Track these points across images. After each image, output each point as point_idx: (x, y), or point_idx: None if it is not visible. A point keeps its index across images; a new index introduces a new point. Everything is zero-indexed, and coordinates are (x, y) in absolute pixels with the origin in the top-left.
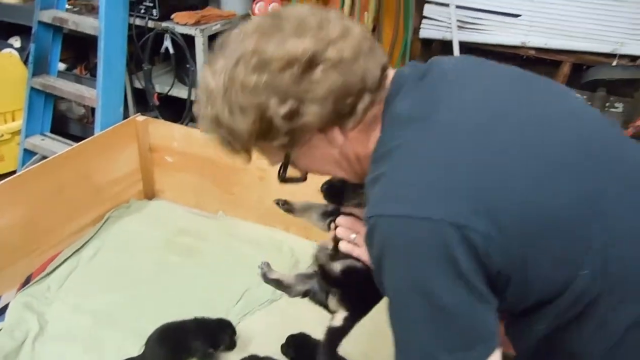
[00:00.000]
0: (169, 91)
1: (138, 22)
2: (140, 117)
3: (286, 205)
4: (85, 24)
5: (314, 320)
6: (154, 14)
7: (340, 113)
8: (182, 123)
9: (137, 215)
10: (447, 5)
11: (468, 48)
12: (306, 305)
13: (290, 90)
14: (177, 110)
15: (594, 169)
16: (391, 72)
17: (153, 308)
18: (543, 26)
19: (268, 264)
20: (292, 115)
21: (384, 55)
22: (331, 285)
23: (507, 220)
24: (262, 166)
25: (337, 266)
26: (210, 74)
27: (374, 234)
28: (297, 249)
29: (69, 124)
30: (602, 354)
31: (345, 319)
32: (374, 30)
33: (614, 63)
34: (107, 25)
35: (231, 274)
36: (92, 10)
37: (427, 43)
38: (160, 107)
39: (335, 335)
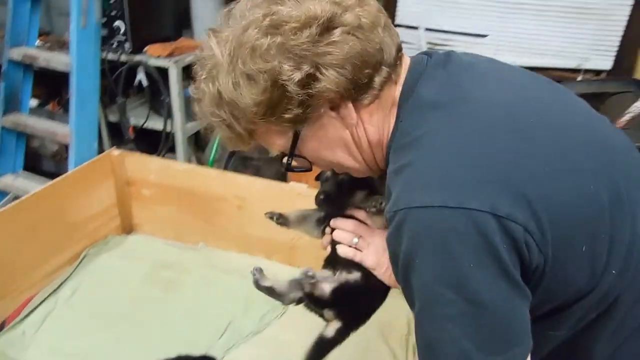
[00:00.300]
0: (144, 124)
1: (111, 56)
2: (115, 151)
3: (281, 219)
4: (57, 60)
5: (299, 351)
6: (127, 48)
7: (357, 84)
8: (158, 155)
9: (115, 251)
10: (416, 28)
11: None
12: (290, 336)
13: (306, 53)
14: (153, 142)
15: (603, 170)
16: (406, 57)
17: (135, 347)
18: (510, 45)
19: (260, 270)
20: (307, 81)
21: (398, 35)
22: (324, 308)
23: (544, 214)
24: (240, 195)
25: (326, 288)
26: (215, 42)
27: (402, 228)
28: (281, 277)
29: (43, 160)
30: (613, 353)
31: (338, 331)
32: None
33: (579, 78)
34: (78, 61)
35: (214, 305)
36: (64, 45)
37: None
38: (135, 140)
39: (325, 345)
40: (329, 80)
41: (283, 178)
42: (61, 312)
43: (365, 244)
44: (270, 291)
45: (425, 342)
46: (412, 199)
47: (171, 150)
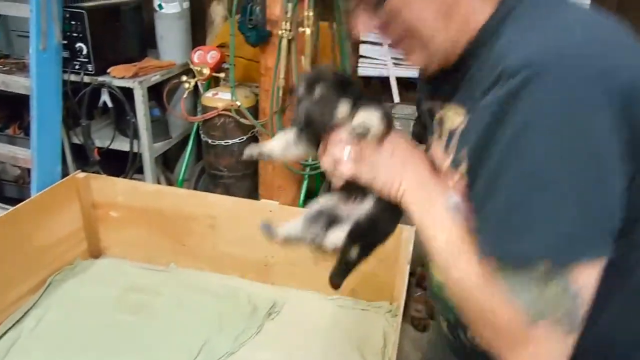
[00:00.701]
0: (109, 145)
1: (73, 77)
2: (80, 174)
3: (264, 156)
4: (16, 83)
5: None
6: (90, 69)
7: None
8: (125, 176)
9: (82, 276)
10: (381, 44)
11: (405, 83)
12: (266, 355)
13: None
14: (119, 163)
15: None
16: None
17: None
18: None
19: (269, 226)
20: None
21: None
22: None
23: None
24: (212, 213)
25: (337, 236)
26: None
27: (531, 84)
28: (254, 295)
29: (4, 186)
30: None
31: (359, 254)
32: None
33: None
34: (39, 84)
35: (187, 328)
36: (24, 68)
37: (367, 80)
38: (101, 162)
39: (349, 265)
40: None
41: (254, 195)
42: (26, 343)
43: (359, 156)
44: (288, 242)
45: (514, 222)
46: (535, 56)
47: (139, 171)
